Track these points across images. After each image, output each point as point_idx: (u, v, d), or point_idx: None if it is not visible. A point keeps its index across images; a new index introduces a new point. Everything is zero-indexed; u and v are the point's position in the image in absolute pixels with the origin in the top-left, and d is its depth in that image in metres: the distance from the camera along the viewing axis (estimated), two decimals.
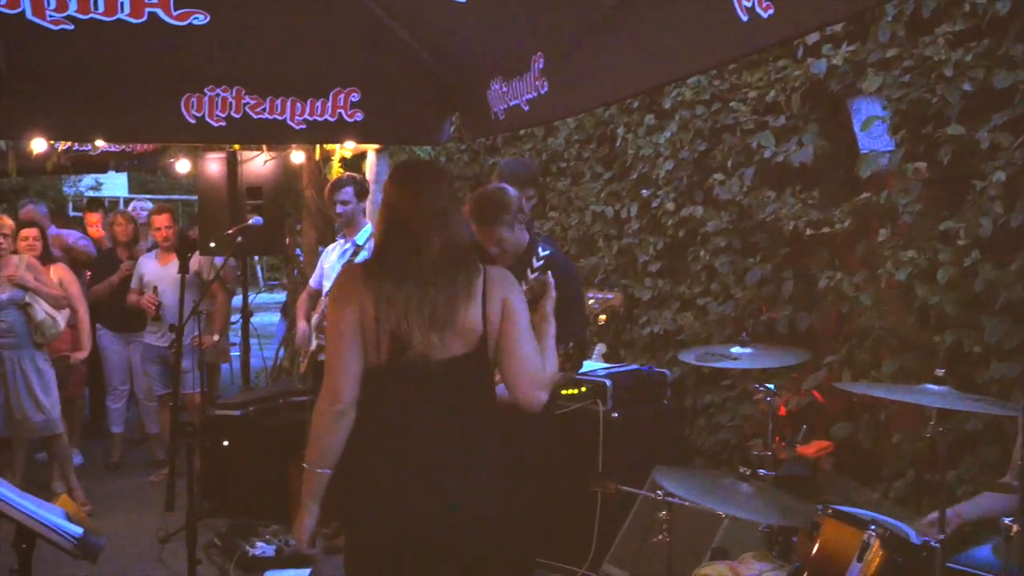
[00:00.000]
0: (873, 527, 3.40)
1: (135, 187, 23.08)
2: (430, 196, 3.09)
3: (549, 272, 3.67)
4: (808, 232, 5.37)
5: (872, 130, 5.00)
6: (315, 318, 6.32)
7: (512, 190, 4.42)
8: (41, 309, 6.67)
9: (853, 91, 5.16)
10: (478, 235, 4.35)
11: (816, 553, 3.54)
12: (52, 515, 3.15)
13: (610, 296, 4.95)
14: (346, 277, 3.17)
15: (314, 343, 6.29)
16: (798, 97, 5.45)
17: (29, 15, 4.97)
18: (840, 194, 5.32)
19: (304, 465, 3.07)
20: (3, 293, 6.57)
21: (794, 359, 4.57)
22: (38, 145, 7.62)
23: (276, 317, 11.57)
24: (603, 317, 4.85)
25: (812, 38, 5.31)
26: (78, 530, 3.12)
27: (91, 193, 19.83)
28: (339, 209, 6.15)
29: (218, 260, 7.39)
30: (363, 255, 5.86)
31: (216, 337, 7.60)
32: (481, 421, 3.07)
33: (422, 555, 2.99)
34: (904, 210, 4.82)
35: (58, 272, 7.10)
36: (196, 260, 7.30)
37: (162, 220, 7.56)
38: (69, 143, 8.27)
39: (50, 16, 4.99)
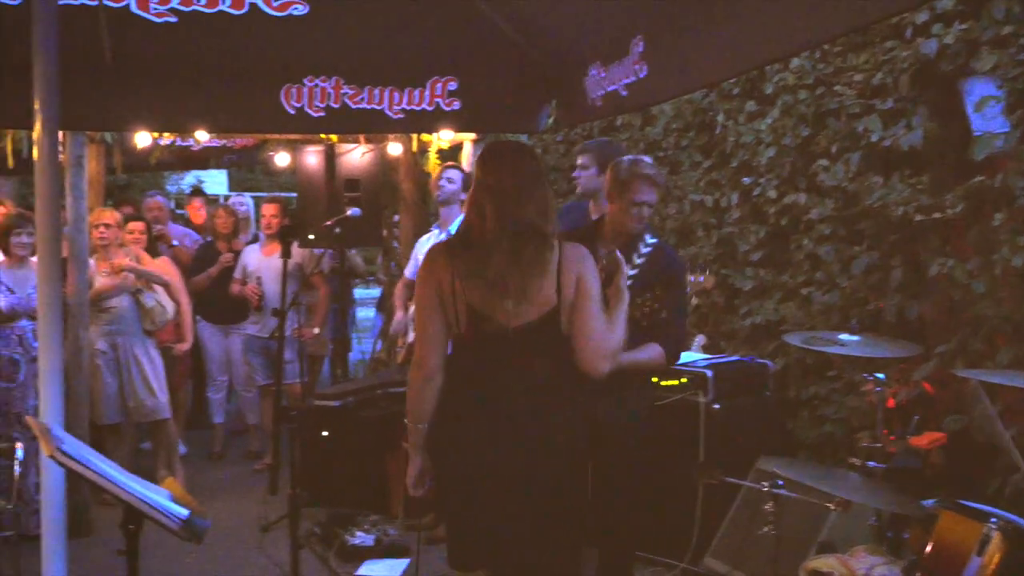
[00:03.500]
0: (994, 520, 3.27)
1: (235, 185, 23.53)
2: (512, 174, 3.33)
3: (618, 251, 3.80)
4: (918, 218, 5.20)
5: (986, 111, 4.82)
6: (412, 308, 6.33)
7: None
8: (151, 297, 6.83)
9: (965, 71, 4.98)
10: (627, 196, 4.31)
11: (932, 547, 3.42)
12: (159, 496, 3.18)
13: (701, 279, 4.92)
14: (429, 256, 3.44)
15: (411, 334, 6.30)
16: (907, 79, 5.28)
17: (134, 8, 5.05)
18: (952, 178, 5.14)
19: (405, 421, 3.47)
20: (114, 281, 6.75)
21: (904, 352, 4.43)
22: (142, 139, 7.76)
23: (372, 312, 11.63)
24: (695, 300, 4.79)
25: (921, 17, 5.15)
26: (184, 511, 3.13)
27: None
28: (442, 184, 6.21)
29: (318, 252, 7.46)
30: None
31: (316, 330, 7.68)
32: (552, 378, 3.33)
33: (501, 490, 3.29)
34: (1021, 193, 4.63)
35: (162, 265, 7.23)
36: (298, 253, 7.38)
37: (270, 209, 7.70)
38: (172, 138, 8.41)
39: (154, 9, 5.07)
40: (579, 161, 5.38)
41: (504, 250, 3.24)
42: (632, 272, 4.31)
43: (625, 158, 4.47)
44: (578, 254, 3.35)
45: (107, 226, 6.77)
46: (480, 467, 3.32)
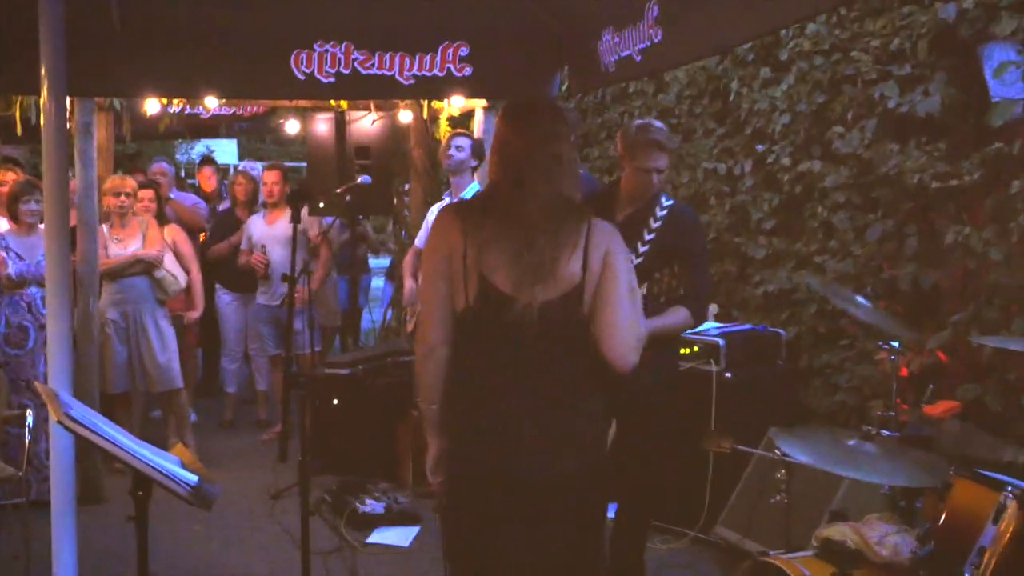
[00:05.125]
0: (1010, 488, 3.23)
1: (244, 154, 23.49)
2: (543, 138, 2.99)
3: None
4: (934, 185, 5.15)
5: (1005, 77, 4.76)
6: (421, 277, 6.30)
7: None
8: (163, 267, 6.81)
9: (985, 36, 4.91)
10: (634, 163, 4.31)
11: (947, 515, 3.38)
12: (168, 463, 3.17)
13: None
14: (441, 218, 3.07)
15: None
16: (925, 44, 5.21)
17: None
18: (969, 145, 5.08)
19: (418, 401, 3.16)
20: (128, 250, 6.73)
21: (906, 334, 4.39)
22: (151, 107, 7.72)
23: (381, 282, 11.61)
24: None
25: None
26: (193, 478, 3.13)
27: None
28: (452, 153, 6.16)
29: (326, 221, 7.42)
30: None
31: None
32: (572, 366, 2.97)
33: (513, 494, 2.92)
34: None
35: (172, 233, 7.21)
36: (304, 219, 7.34)
37: (271, 176, 7.64)
38: (181, 106, 8.36)
39: None
40: None
41: (541, 223, 2.90)
42: (650, 237, 4.30)
43: (635, 123, 4.44)
44: (606, 229, 2.99)
45: (128, 195, 6.76)
46: (490, 465, 2.95)
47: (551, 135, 3.00)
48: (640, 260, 4.27)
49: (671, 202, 4.43)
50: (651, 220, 4.33)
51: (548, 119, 3.05)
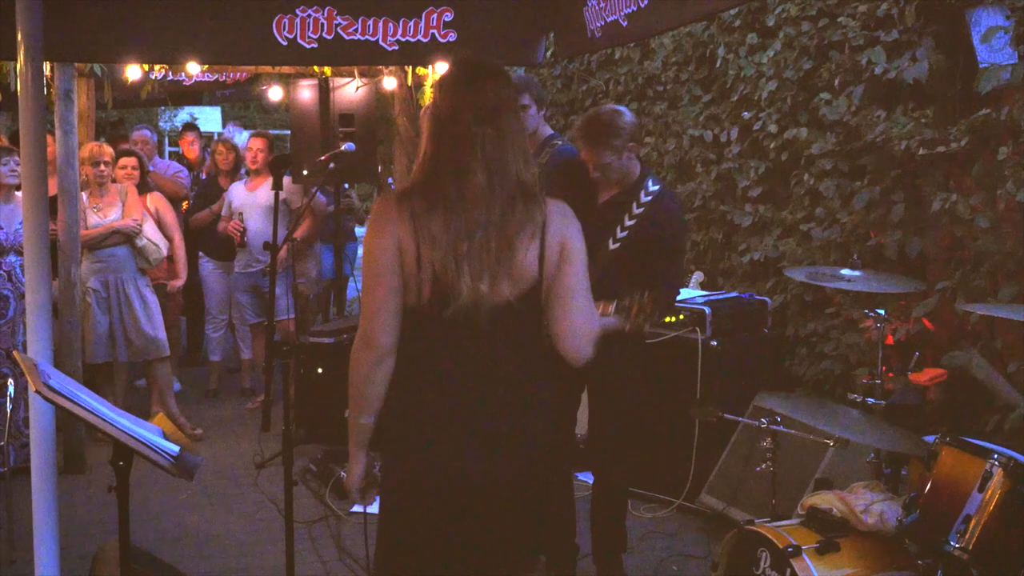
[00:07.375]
0: (996, 457, 3.23)
1: (228, 122, 23.34)
2: (494, 109, 2.63)
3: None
4: (921, 152, 5.12)
5: (993, 42, 4.73)
6: None
7: (629, 115, 4.21)
8: (143, 235, 6.75)
9: (972, 1, 4.88)
10: (583, 156, 4.23)
11: (933, 483, 3.38)
12: (149, 433, 3.14)
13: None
14: (381, 207, 2.73)
15: None
16: (912, 10, 5.17)
17: None
18: (956, 111, 5.06)
19: (346, 414, 2.82)
20: (107, 219, 6.66)
21: (908, 287, 4.37)
22: (133, 73, 7.63)
23: None
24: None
25: None
26: (175, 448, 3.10)
27: None
28: None
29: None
30: None
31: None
32: (529, 368, 2.74)
33: (462, 505, 2.74)
34: None
35: (154, 201, 7.15)
36: (285, 188, 7.27)
37: (257, 143, 7.58)
38: (163, 72, 8.27)
39: None
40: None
41: (488, 213, 2.61)
42: (630, 223, 4.20)
43: (595, 113, 4.29)
44: (563, 213, 2.72)
45: (106, 163, 6.70)
46: (434, 470, 2.72)
47: (505, 108, 2.66)
48: (617, 246, 4.17)
49: (657, 187, 4.26)
50: (634, 206, 4.20)
51: (490, 85, 2.67)
